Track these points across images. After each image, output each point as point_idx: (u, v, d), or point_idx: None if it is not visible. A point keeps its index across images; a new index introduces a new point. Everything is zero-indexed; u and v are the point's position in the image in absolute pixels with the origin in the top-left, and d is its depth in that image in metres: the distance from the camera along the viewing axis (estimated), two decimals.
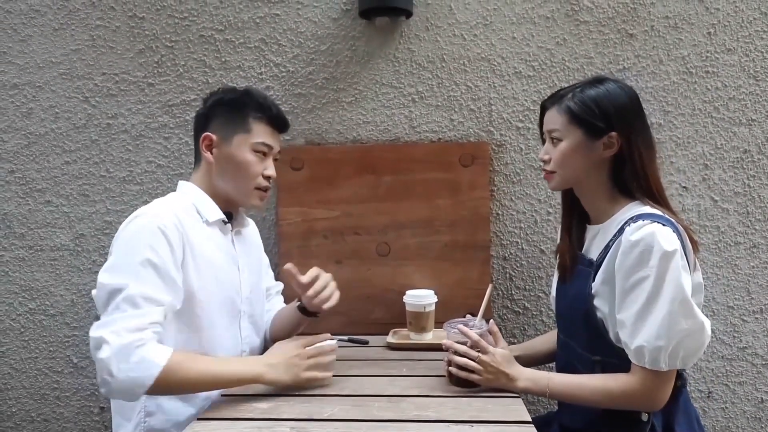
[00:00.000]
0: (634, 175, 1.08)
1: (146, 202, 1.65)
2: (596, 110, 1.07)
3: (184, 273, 1.08)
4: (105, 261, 1.63)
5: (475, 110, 1.62)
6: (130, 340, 0.94)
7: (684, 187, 1.59)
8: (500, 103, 1.61)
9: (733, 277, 1.60)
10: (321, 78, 1.64)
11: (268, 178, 1.21)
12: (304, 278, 1.19)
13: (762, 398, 1.61)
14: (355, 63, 1.64)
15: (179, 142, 1.68)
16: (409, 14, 1.58)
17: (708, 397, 1.62)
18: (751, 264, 1.59)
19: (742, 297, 1.60)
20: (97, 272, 1.64)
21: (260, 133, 1.19)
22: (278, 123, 1.23)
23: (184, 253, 1.08)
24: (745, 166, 1.58)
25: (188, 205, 1.17)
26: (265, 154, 1.20)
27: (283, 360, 1.06)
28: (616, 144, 1.07)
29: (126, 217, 1.64)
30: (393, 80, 1.63)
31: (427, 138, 1.63)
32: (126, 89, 1.68)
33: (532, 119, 1.60)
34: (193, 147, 1.64)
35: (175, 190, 1.64)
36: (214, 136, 1.19)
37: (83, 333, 1.73)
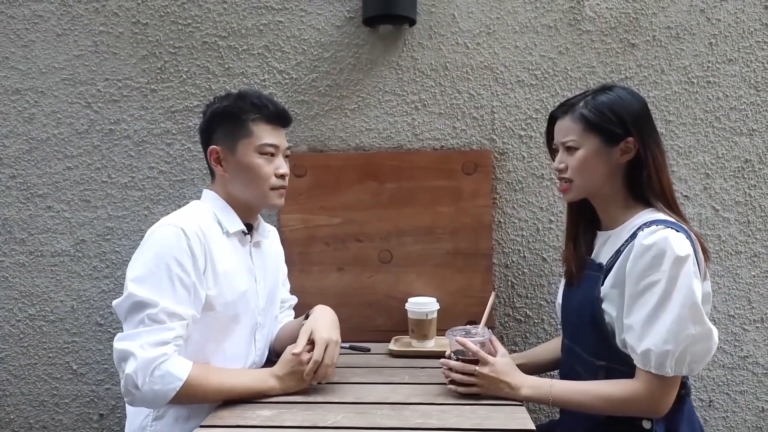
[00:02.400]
0: (649, 180, 1.08)
1: (148, 209, 1.68)
2: (612, 116, 1.07)
3: (204, 283, 1.10)
4: (106, 267, 1.69)
5: (477, 118, 1.62)
6: (154, 355, 0.99)
7: (685, 196, 1.59)
8: (503, 111, 1.62)
9: (734, 286, 1.60)
10: (324, 85, 1.65)
11: (281, 176, 1.21)
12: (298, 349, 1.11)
13: (763, 407, 1.61)
14: (359, 70, 1.64)
15: (182, 148, 1.68)
16: (412, 22, 1.59)
17: (709, 405, 1.62)
18: (752, 273, 1.60)
19: (743, 306, 1.60)
20: (98, 278, 1.69)
21: (262, 134, 1.18)
22: (277, 119, 1.21)
23: (205, 264, 1.10)
24: (746, 176, 1.59)
25: (210, 215, 1.18)
26: (272, 154, 1.19)
27: (289, 369, 1.10)
28: (633, 149, 1.08)
29: (128, 222, 1.68)
30: (396, 88, 1.64)
31: (430, 146, 1.64)
32: (129, 95, 1.68)
33: (535, 128, 1.61)
34: (195, 153, 1.67)
35: (177, 196, 1.67)
36: (219, 149, 1.19)
37: (83, 339, 1.72)
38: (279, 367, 1.11)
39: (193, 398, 1.03)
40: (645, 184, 1.08)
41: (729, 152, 1.59)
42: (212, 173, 1.24)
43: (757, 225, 1.59)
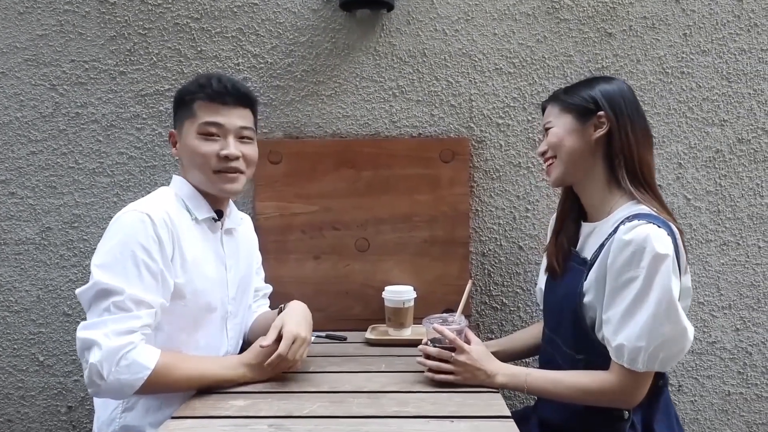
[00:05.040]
0: (620, 152, 1.08)
1: (117, 195, 1.64)
2: (583, 94, 1.12)
3: (172, 270, 1.07)
4: (73, 255, 1.64)
5: (455, 106, 1.61)
6: (120, 344, 0.95)
7: (658, 185, 1.61)
8: (481, 99, 1.61)
9: (703, 274, 1.63)
10: (300, 70, 1.62)
11: (224, 158, 1.12)
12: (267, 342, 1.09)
13: (729, 391, 1.66)
14: (335, 56, 1.61)
15: (152, 133, 1.63)
16: (390, 7, 1.56)
17: (678, 390, 1.66)
18: (721, 261, 1.63)
19: (712, 293, 1.64)
20: (65, 267, 1.64)
21: (202, 113, 1.13)
22: (219, 96, 1.13)
23: (173, 251, 1.07)
24: (716, 166, 1.61)
25: (178, 201, 1.15)
26: (215, 134, 1.13)
27: (258, 360, 1.09)
28: (606, 123, 1.09)
29: (96, 209, 1.63)
30: (373, 74, 1.61)
31: (407, 133, 1.62)
32: (96, 77, 1.62)
33: (512, 116, 1.61)
34: (167, 139, 1.62)
35: (147, 183, 1.63)
36: (176, 132, 1.19)
37: (50, 330, 1.67)
38: (250, 356, 1.10)
39: (161, 387, 1.01)
40: (616, 155, 1.08)
41: (701, 142, 1.61)
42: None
43: (726, 214, 1.62)
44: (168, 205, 1.10)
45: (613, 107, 1.10)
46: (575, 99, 1.13)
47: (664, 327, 0.96)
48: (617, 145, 1.08)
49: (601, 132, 1.09)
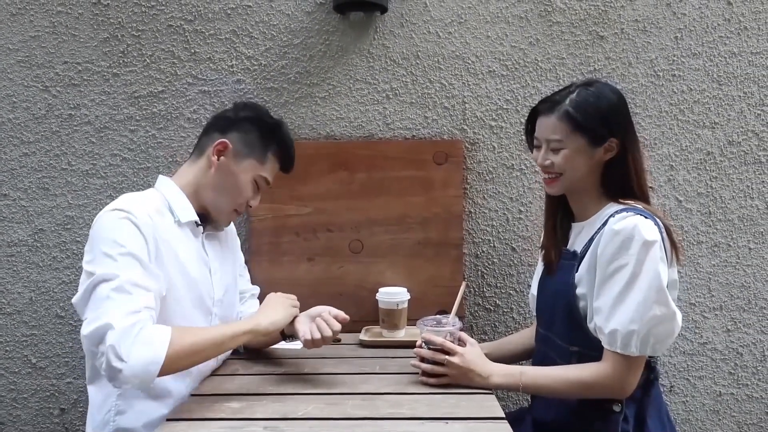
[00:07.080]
0: (628, 178, 1.12)
1: (110, 197, 1.63)
2: (597, 117, 1.09)
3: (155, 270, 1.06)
4: (66, 257, 1.64)
5: (449, 108, 1.62)
6: (131, 322, 0.91)
7: (650, 187, 1.61)
8: (474, 101, 1.62)
9: (695, 275, 1.65)
10: (294, 72, 1.62)
11: (249, 206, 1.23)
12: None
13: (720, 392, 1.67)
14: (329, 58, 1.62)
15: (146, 135, 1.62)
16: (384, 10, 1.57)
17: (670, 391, 1.67)
18: (712, 262, 1.65)
19: (703, 294, 1.65)
20: (58, 269, 1.64)
21: (269, 168, 1.22)
22: (288, 165, 1.25)
23: (156, 250, 1.06)
24: (707, 168, 1.63)
25: (162, 202, 1.14)
26: (259, 188, 1.22)
27: (272, 302, 1.19)
28: (615, 149, 1.10)
29: (89, 211, 1.62)
30: (367, 76, 1.62)
31: (401, 135, 1.63)
32: (89, 79, 1.62)
33: (505, 118, 1.62)
34: (160, 141, 1.62)
35: (141, 185, 1.62)
36: (231, 148, 1.17)
37: (42, 332, 1.66)
38: (263, 306, 1.20)
39: (183, 360, 0.96)
40: (625, 183, 1.12)
41: (692, 145, 1.63)
42: (196, 155, 1.21)
43: (717, 216, 1.64)
44: (149, 207, 1.09)
45: (623, 132, 1.11)
46: (588, 121, 1.08)
47: (654, 310, 0.99)
48: (624, 169, 1.11)
49: (610, 155, 1.11)
